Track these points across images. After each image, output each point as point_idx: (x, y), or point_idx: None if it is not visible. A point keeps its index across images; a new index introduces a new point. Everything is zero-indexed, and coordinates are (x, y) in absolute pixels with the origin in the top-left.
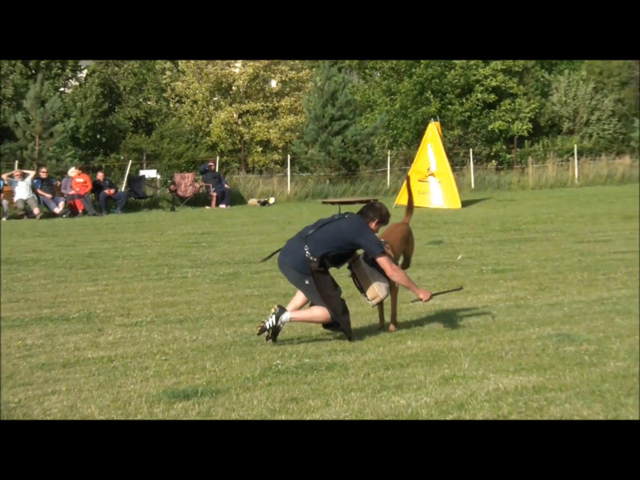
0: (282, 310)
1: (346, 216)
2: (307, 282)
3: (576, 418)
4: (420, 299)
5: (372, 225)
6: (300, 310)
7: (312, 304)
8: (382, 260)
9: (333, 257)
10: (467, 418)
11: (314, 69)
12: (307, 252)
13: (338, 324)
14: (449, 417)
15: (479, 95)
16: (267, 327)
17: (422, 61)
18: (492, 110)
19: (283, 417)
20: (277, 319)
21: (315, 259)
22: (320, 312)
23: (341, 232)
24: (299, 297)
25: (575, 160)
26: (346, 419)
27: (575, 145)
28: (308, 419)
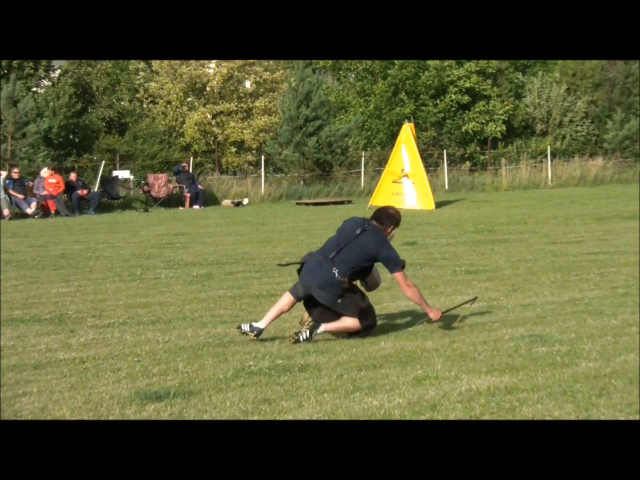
0: (317, 324)
1: (366, 229)
2: (339, 302)
3: (548, 418)
4: (431, 319)
5: (388, 230)
6: (334, 322)
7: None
8: (398, 276)
9: (358, 272)
10: (440, 419)
11: (288, 70)
12: (337, 274)
13: (365, 332)
14: (422, 418)
15: (453, 97)
16: (301, 339)
17: (396, 62)
18: (466, 111)
19: (256, 418)
20: (311, 333)
21: (345, 279)
22: (352, 323)
23: (364, 249)
24: (274, 311)
25: (549, 162)
26: (319, 419)
27: (549, 147)
28: (280, 420)
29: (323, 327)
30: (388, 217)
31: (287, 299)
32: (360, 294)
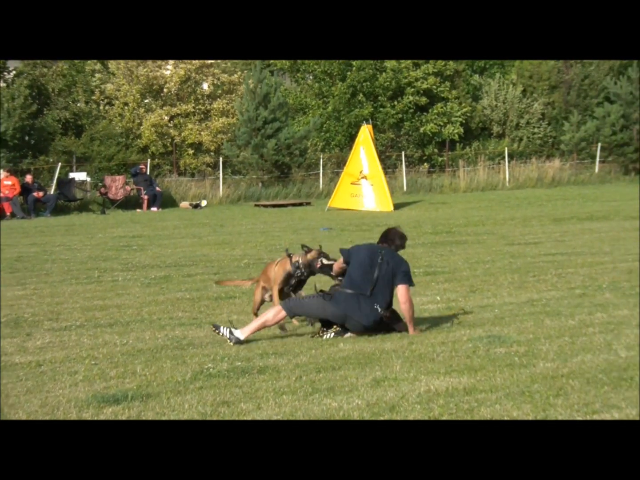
0: (342, 331)
1: (382, 254)
2: (382, 330)
3: (506, 419)
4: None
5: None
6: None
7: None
8: (404, 288)
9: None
10: (399, 420)
11: (246, 72)
12: (380, 310)
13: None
14: (381, 419)
15: (410, 98)
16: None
17: (354, 64)
18: (424, 113)
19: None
20: (336, 335)
21: (388, 314)
22: None
23: (390, 275)
24: (258, 323)
25: (506, 164)
26: (278, 420)
27: (506, 149)
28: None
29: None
30: (400, 237)
31: (276, 314)
32: (395, 314)
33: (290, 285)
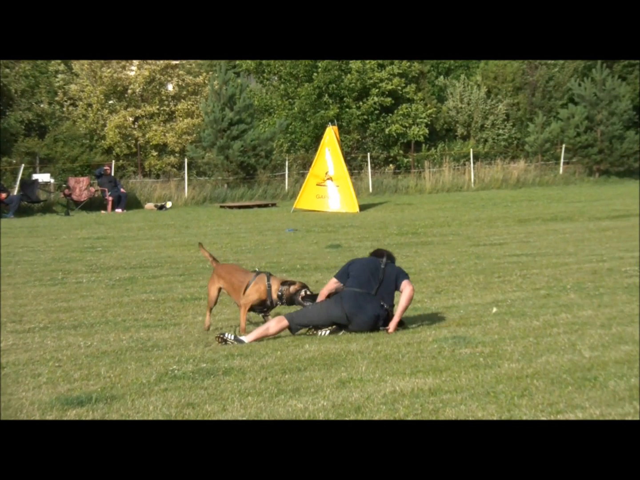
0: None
1: (383, 262)
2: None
3: (471, 419)
4: (387, 329)
5: None
6: None
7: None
8: (408, 282)
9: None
10: (365, 420)
11: (211, 73)
12: (386, 306)
13: None
14: (346, 420)
15: (375, 99)
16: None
17: (319, 65)
18: (389, 114)
19: None
20: (331, 333)
21: (391, 310)
22: None
23: (393, 279)
24: (260, 331)
25: (471, 165)
26: (243, 420)
27: (471, 150)
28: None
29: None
30: (389, 254)
31: (277, 322)
32: None
33: (262, 310)
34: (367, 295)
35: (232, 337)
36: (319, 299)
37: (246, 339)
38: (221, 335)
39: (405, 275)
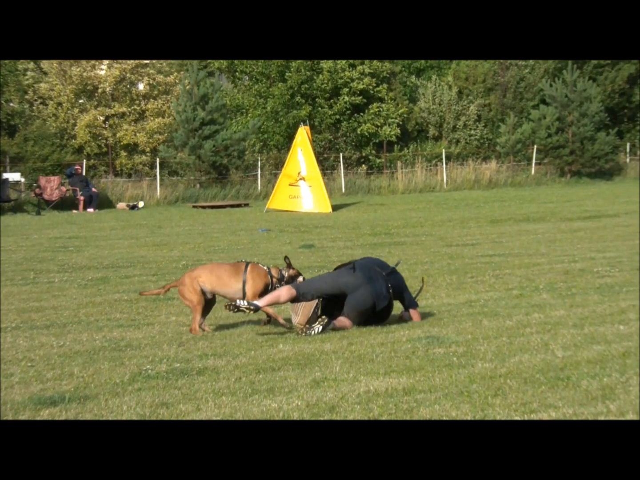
0: (329, 321)
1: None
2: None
3: (445, 419)
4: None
5: None
6: (338, 320)
7: None
8: (417, 312)
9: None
10: (339, 420)
11: (182, 73)
12: (390, 289)
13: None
14: (320, 419)
15: (347, 98)
16: (313, 333)
17: (292, 65)
18: (361, 114)
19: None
20: (324, 328)
21: (391, 296)
22: (349, 324)
23: (401, 287)
24: (272, 296)
25: (444, 165)
26: (217, 420)
27: (443, 150)
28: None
29: (332, 323)
30: None
31: (287, 290)
32: None
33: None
34: (379, 273)
35: (245, 303)
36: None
37: (260, 303)
38: (233, 303)
39: (415, 304)
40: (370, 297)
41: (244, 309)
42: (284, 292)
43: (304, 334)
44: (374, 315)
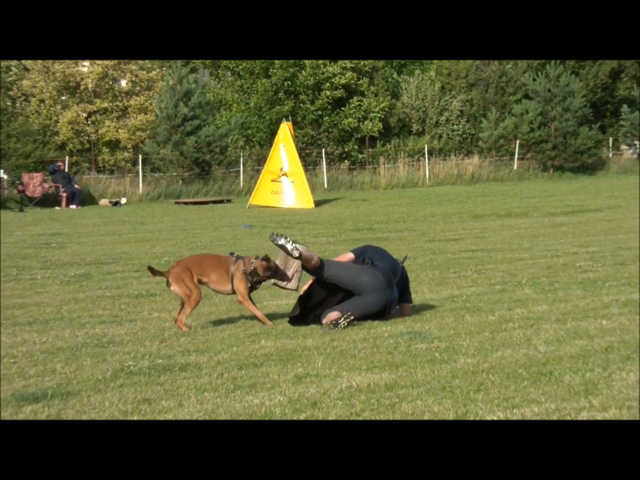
0: (352, 317)
1: (402, 262)
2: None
3: (427, 414)
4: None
5: None
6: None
7: None
8: (409, 308)
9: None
10: (321, 416)
11: (164, 69)
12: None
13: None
14: (303, 416)
15: (328, 93)
16: (339, 328)
17: (276, 62)
18: (342, 108)
19: (135, 419)
20: (348, 324)
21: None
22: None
23: (403, 286)
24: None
25: (426, 160)
26: (199, 419)
27: (426, 146)
28: (160, 419)
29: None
30: None
31: (317, 260)
32: None
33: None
34: (392, 281)
35: (290, 244)
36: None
37: (301, 248)
38: (280, 235)
39: (411, 300)
40: (383, 304)
41: (289, 247)
42: (316, 257)
43: (330, 328)
44: (375, 315)
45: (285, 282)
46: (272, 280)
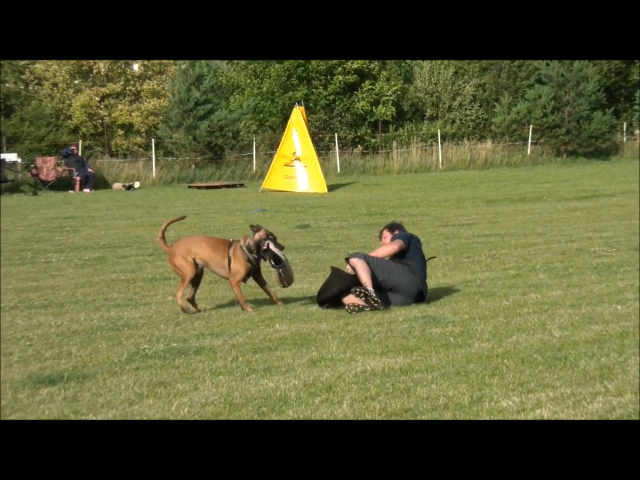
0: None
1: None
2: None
3: (442, 398)
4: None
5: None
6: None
7: None
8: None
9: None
10: (335, 400)
11: None
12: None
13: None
14: (317, 399)
15: (341, 78)
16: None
17: None
18: (355, 92)
19: (151, 402)
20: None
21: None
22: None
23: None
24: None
25: (439, 145)
26: (214, 402)
27: (439, 130)
28: (176, 403)
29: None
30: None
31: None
32: None
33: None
34: (423, 284)
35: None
36: (376, 254)
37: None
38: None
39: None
40: (414, 298)
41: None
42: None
43: (354, 312)
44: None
45: (280, 266)
46: (272, 267)
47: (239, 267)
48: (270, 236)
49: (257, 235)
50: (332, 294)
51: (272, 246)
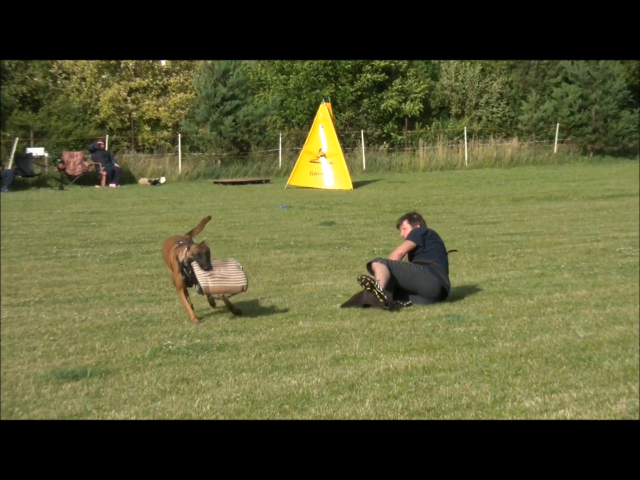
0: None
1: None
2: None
3: (465, 398)
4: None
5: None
6: None
7: None
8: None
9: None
10: (358, 398)
11: None
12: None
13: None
14: (340, 398)
15: (369, 76)
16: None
17: None
18: (383, 90)
19: (173, 398)
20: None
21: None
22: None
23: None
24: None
25: (465, 143)
26: (237, 399)
27: (465, 128)
28: (199, 399)
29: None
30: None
31: (382, 269)
32: None
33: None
34: (446, 280)
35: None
36: (392, 257)
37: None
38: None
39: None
40: (437, 298)
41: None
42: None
43: (389, 309)
44: None
45: (207, 275)
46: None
47: (174, 275)
48: (198, 256)
49: (188, 253)
50: (358, 306)
51: (196, 269)
